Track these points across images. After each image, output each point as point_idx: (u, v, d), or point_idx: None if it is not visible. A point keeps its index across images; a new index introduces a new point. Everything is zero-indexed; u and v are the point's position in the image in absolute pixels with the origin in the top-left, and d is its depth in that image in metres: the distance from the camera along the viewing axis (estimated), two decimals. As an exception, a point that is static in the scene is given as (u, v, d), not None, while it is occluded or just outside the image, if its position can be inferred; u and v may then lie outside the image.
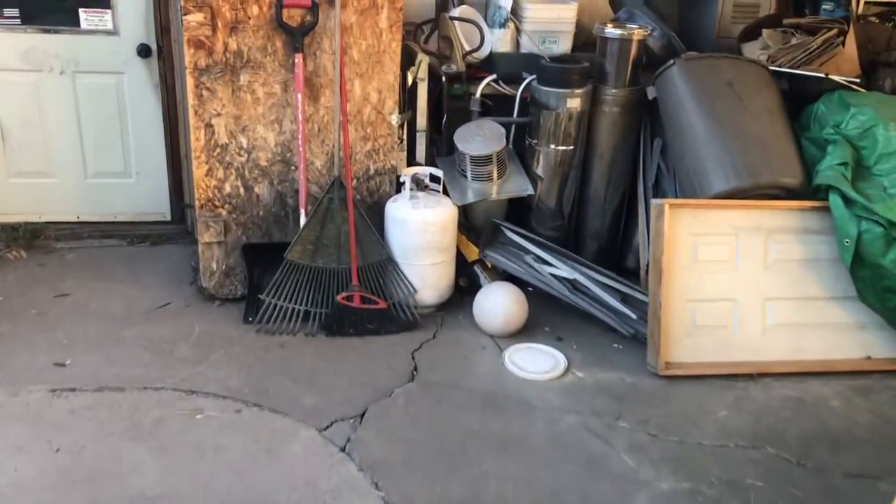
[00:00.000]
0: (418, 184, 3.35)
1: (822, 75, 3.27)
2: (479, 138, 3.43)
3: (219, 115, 3.21)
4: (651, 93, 3.47)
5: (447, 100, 3.71)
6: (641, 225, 3.56)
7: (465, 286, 3.62)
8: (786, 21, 3.57)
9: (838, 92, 3.32)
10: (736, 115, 3.18)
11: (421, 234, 3.27)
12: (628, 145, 3.62)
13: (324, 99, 3.28)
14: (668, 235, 3.02)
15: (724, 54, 3.45)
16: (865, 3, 4.26)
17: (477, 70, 3.86)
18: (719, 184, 3.10)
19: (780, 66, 3.42)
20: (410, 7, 3.99)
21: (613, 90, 3.49)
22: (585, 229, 3.77)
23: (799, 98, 3.50)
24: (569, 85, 3.39)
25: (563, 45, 3.86)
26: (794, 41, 3.53)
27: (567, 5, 3.84)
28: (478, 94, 3.61)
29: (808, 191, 3.15)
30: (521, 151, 3.66)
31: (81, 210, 4.11)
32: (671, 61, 3.36)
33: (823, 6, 4.07)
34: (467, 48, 3.68)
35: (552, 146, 3.48)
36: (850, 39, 3.39)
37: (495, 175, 3.45)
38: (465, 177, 3.48)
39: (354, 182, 3.44)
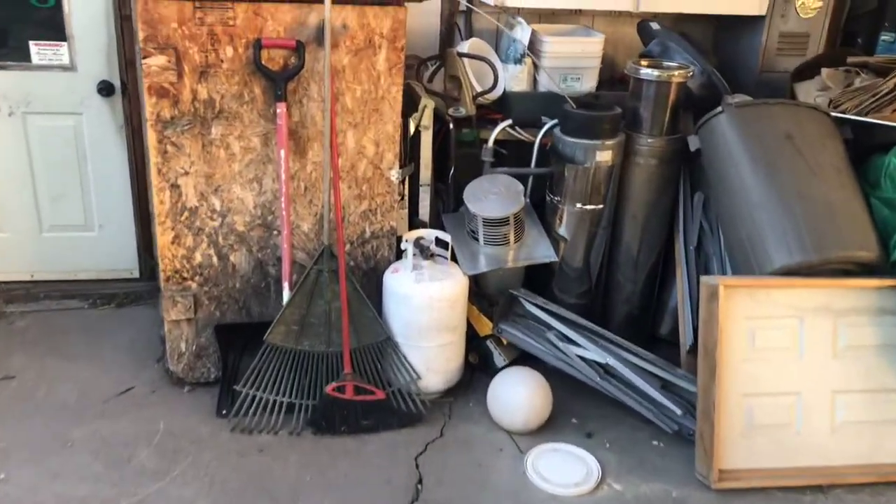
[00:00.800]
0: (422, 251, 2.85)
1: (900, 126, 2.79)
2: (493, 196, 2.94)
3: (186, 173, 2.71)
4: (693, 143, 2.98)
5: (455, 147, 3.22)
6: (681, 294, 3.07)
7: (475, 363, 3.13)
8: (850, 60, 3.08)
9: (910, 145, 2.84)
10: (798, 174, 2.69)
11: (426, 311, 2.77)
12: (665, 201, 3.13)
13: (311, 153, 2.79)
14: (722, 321, 2.53)
15: (779, 100, 2.97)
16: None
17: (489, 111, 3.37)
18: (781, 257, 2.61)
19: (844, 113, 2.94)
20: (413, 39, 3.51)
21: (649, 140, 3.00)
22: (615, 294, 3.28)
23: (863, 149, 3.01)
24: (598, 135, 2.90)
25: (588, 83, 3.37)
26: (857, 82, 3.04)
27: (591, 38, 3.35)
28: (490, 143, 3.12)
29: (885, 265, 2.66)
30: (540, 206, 3.17)
31: (36, 268, 3.60)
32: (718, 108, 2.87)
33: (883, 37, 3.59)
34: (478, 88, 3.19)
35: (578, 205, 2.99)
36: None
37: (512, 238, 2.96)
38: (477, 240, 2.98)
39: (348, 247, 2.94)
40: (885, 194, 2.84)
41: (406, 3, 2.68)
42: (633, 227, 3.14)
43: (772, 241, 2.64)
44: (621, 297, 3.26)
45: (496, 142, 3.19)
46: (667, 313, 3.35)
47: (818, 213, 2.63)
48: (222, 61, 2.59)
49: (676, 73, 2.94)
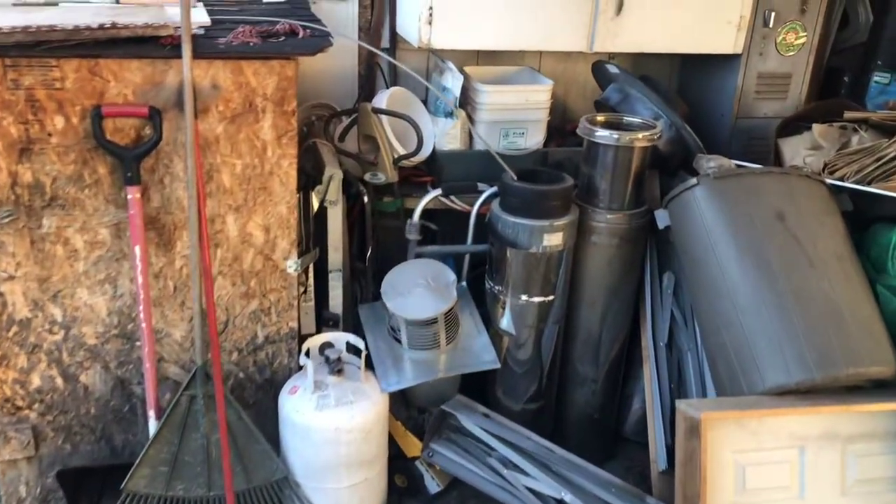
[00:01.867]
0: (328, 363, 2.26)
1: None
2: (418, 290, 2.35)
3: (11, 278, 2.07)
4: (662, 220, 2.44)
5: (374, 220, 2.64)
6: (650, 400, 2.52)
7: (403, 486, 2.55)
8: (848, 115, 2.57)
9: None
10: (794, 266, 2.16)
11: (331, 446, 2.18)
12: (629, 285, 2.58)
13: (181, 245, 2.17)
14: (705, 461, 1.98)
15: (766, 168, 2.43)
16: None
17: (417, 173, 2.80)
18: (776, 375, 2.07)
19: (842, 180, 2.42)
20: (326, 86, 2.93)
21: (608, 215, 2.45)
22: (572, 393, 2.71)
23: (862, 220, 2.50)
24: (546, 214, 2.33)
25: (534, 138, 2.81)
26: (855, 141, 2.53)
27: (537, 85, 2.79)
28: (416, 217, 2.53)
29: (901, 377, 2.14)
30: (480, 291, 2.59)
31: None
32: (693, 180, 2.32)
33: (875, 78, 3.10)
34: (400, 150, 2.60)
35: (524, 297, 2.42)
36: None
37: (443, 340, 2.37)
38: (400, 341, 2.39)
39: (235, 356, 2.34)
40: (895, 282, 2.32)
41: (298, 57, 2.08)
42: (592, 317, 2.58)
43: (764, 354, 2.10)
44: (579, 397, 2.70)
45: (426, 213, 2.61)
46: (631, 410, 2.81)
47: (820, 319, 2.09)
48: (50, 135, 1.96)
49: (640, 135, 2.39)
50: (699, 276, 2.30)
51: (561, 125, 3.12)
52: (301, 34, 2.17)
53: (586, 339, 2.62)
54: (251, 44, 2.04)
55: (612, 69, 2.83)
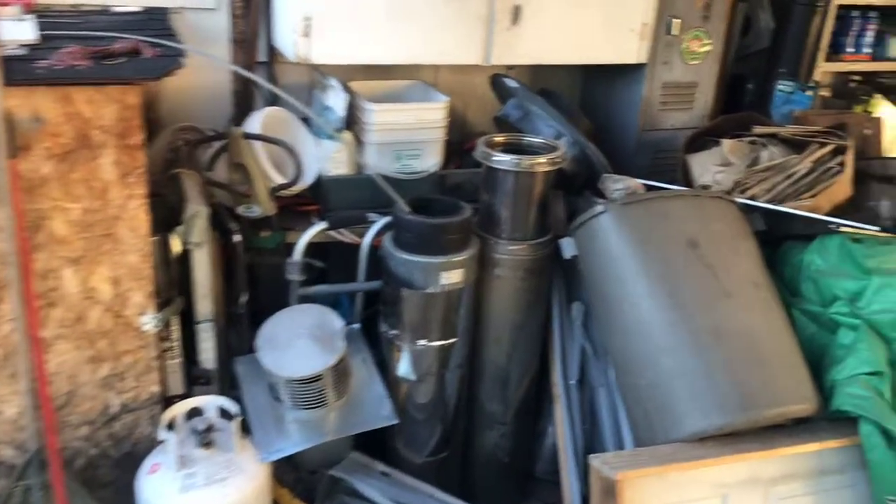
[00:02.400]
0: (196, 434, 1.95)
1: (832, 222, 2.15)
2: (300, 341, 2.07)
3: None
4: (568, 249, 2.24)
5: (251, 259, 2.33)
6: (562, 445, 2.31)
7: (296, 557, 2.26)
8: (757, 130, 2.43)
9: (839, 238, 2.21)
10: (710, 299, 1.99)
11: (201, 533, 1.87)
12: (536, 319, 2.37)
13: (6, 306, 1.82)
14: (622, 525, 1.78)
15: (677, 191, 2.26)
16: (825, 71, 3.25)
17: (301, 202, 2.51)
18: (695, 420, 1.90)
19: (754, 199, 2.28)
20: (194, 106, 2.60)
21: (511, 247, 2.23)
22: (479, 437, 2.49)
23: (774, 237, 2.38)
24: (444, 250, 2.09)
25: (430, 159, 2.56)
26: (765, 157, 2.40)
27: (432, 103, 2.54)
28: (298, 254, 2.25)
29: (822, 412, 2.00)
30: (377, 331, 2.33)
31: None
32: (599, 207, 2.12)
33: (780, 87, 3.00)
34: (277, 179, 2.31)
35: (423, 342, 2.17)
36: (851, 158, 2.29)
37: (331, 397, 2.10)
38: (281, 401, 2.10)
39: (85, 430, 2.00)
40: (810, 306, 2.20)
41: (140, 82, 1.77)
42: (498, 355, 2.36)
43: (682, 398, 1.92)
44: (488, 441, 2.48)
45: (312, 247, 2.33)
46: (544, 448, 2.60)
47: (740, 357, 1.93)
48: None
49: (542, 158, 2.18)
50: (609, 313, 2.11)
51: (461, 143, 2.88)
52: (146, 53, 1.85)
53: (493, 378, 2.40)
54: (78, 67, 1.71)
55: (511, 83, 2.62)
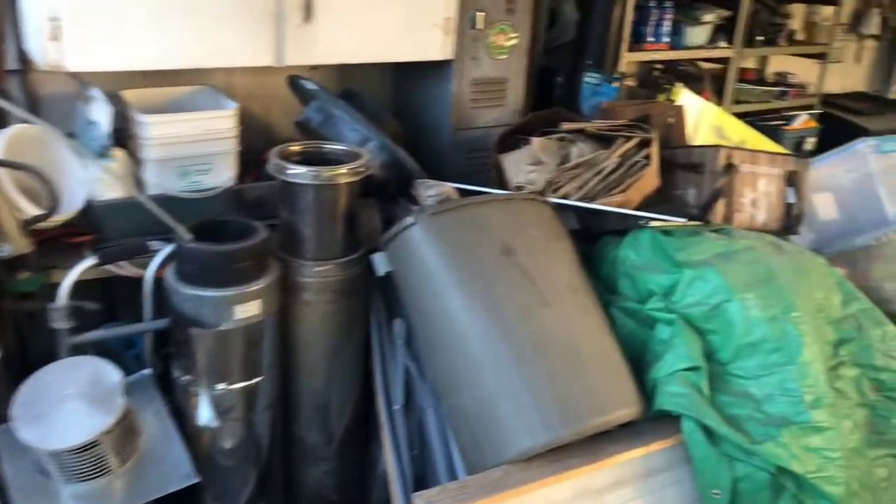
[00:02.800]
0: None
1: (642, 217, 2.12)
2: (68, 405, 1.74)
3: None
4: (381, 265, 2.06)
5: (6, 305, 1.96)
6: (392, 475, 2.14)
7: None
8: (565, 126, 2.37)
9: (650, 232, 2.20)
10: (528, 309, 1.89)
11: None
12: (354, 342, 2.18)
13: None
14: (452, 567, 1.64)
15: (489, 196, 2.14)
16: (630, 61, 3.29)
17: (69, 232, 2.15)
18: (522, 439, 1.78)
19: (567, 197, 2.22)
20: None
21: (317, 268, 2.02)
22: (302, 476, 2.27)
23: (590, 235, 2.34)
24: (237, 279, 1.84)
25: (222, 175, 2.28)
26: (574, 153, 2.34)
27: (219, 111, 2.26)
28: (62, 298, 1.90)
29: (647, 412, 1.97)
30: (167, 377, 2.03)
31: None
32: (409, 218, 1.96)
33: (587, 79, 2.99)
34: (30, 210, 1.95)
35: (222, 385, 1.91)
36: (656, 150, 2.28)
37: (113, 463, 1.79)
38: (50, 476, 1.76)
39: None
40: (628, 303, 2.17)
41: None
42: (315, 387, 2.15)
43: (507, 416, 1.80)
44: (311, 480, 2.27)
45: (89, 286, 1.99)
46: (376, 478, 2.42)
47: (561, 367, 1.84)
48: None
49: (344, 168, 1.99)
50: (427, 331, 1.96)
51: (262, 151, 2.62)
52: None
53: (312, 411, 2.19)
54: None
55: (309, 85, 2.40)
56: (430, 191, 2.17)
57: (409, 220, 1.95)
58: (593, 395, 1.84)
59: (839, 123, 4.15)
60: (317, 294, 2.03)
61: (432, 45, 2.57)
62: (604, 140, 2.36)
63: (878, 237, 2.46)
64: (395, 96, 3.01)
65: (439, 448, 2.13)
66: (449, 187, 2.21)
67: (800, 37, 4.14)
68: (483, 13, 2.66)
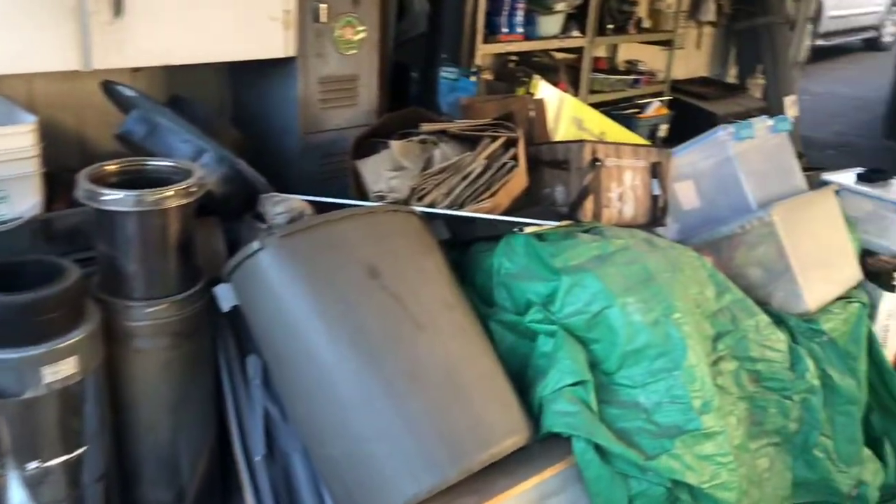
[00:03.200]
0: None
1: (515, 223, 1.96)
2: None
3: None
4: (226, 299, 1.77)
5: None
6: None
7: None
8: (425, 127, 2.17)
9: (524, 237, 2.05)
10: (400, 335, 1.68)
11: None
12: (201, 388, 1.88)
13: None
14: None
15: (346, 208, 1.88)
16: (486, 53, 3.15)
17: None
18: (405, 486, 1.57)
19: (434, 206, 2.03)
20: None
21: (149, 309, 1.70)
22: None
23: (458, 243, 2.16)
24: (42, 335, 1.50)
25: (24, 203, 1.90)
26: (438, 157, 2.15)
27: (14, 127, 1.88)
28: None
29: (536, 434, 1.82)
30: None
31: None
32: (255, 244, 1.69)
33: (444, 74, 2.81)
34: None
35: (35, 463, 1.56)
36: (523, 149, 2.14)
37: None
38: None
39: None
40: (506, 315, 2.01)
41: None
42: (158, 445, 1.83)
43: (386, 462, 1.59)
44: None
45: None
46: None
47: (441, 398, 1.65)
48: None
49: (174, 189, 1.68)
50: (285, 373, 1.71)
51: (77, 171, 2.24)
52: None
53: (158, 471, 1.87)
54: None
55: (127, 92, 2.06)
56: (279, 207, 1.90)
57: (254, 245, 1.68)
58: (479, 427, 1.66)
59: (688, 109, 4.26)
60: (151, 339, 1.72)
61: (271, 41, 2.30)
62: (468, 140, 2.19)
63: (742, 225, 2.45)
64: (235, 101, 2.71)
65: (310, 498, 1.89)
66: (301, 202, 1.96)
67: (646, 24, 4.19)
68: (326, 5, 2.42)
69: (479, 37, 3.02)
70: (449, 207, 2.01)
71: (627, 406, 1.84)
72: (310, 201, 2.02)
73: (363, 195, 2.18)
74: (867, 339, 2.52)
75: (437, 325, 1.73)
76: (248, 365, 1.96)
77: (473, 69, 2.85)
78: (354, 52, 2.57)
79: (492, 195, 2.04)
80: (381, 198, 2.11)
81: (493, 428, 1.68)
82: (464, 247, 2.20)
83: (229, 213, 2.12)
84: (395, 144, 2.14)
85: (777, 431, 2.18)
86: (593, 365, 1.90)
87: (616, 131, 3.19)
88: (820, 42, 9.54)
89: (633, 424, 1.80)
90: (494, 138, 2.10)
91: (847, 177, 3.19)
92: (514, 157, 2.09)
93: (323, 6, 2.40)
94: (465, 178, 2.02)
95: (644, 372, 1.86)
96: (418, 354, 1.67)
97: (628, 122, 3.71)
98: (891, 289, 2.67)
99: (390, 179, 2.13)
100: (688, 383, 1.83)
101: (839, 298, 2.54)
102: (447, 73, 2.79)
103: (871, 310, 2.64)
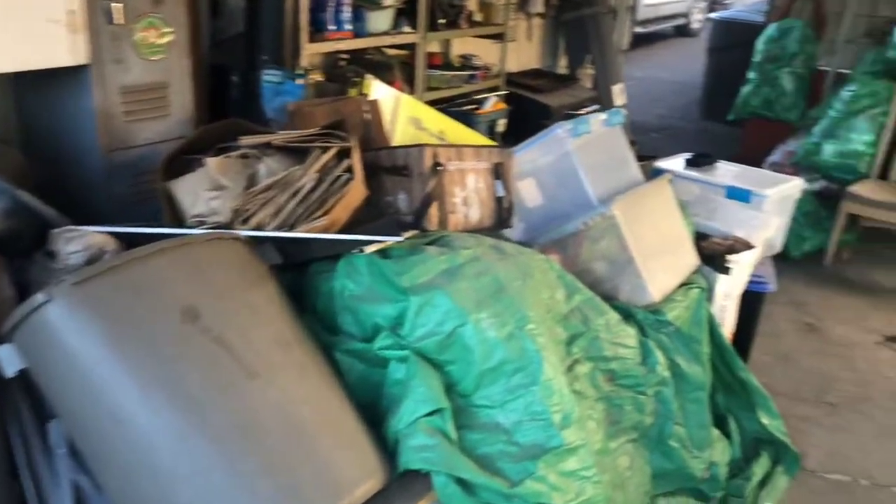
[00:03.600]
0: None
1: (355, 242, 1.78)
2: None
3: None
4: (9, 363, 1.47)
5: None
6: None
7: None
8: (244, 140, 1.94)
9: (365, 255, 1.89)
10: (227, 385, 1.46)
11: None
12: (-8, 468, 1.57)
13: None
14: None
15: (157, 244, 1.61)
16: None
17: None
18: (245, 562, 1.37)
19: (262, 228, 1.81)
20: None
21: None
22: None
23: (294, 265, 1.96)
24: None
25: None
26: (262, 172, 1.93)
27: None
28: None
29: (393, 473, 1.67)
30: None
31: None
32: (39, 296, 1.40)
33: (267, 77, 2.58)
34: None
35: None
36: (358, 158, 1.97)
37: None
38: None
39: None
40: (353, 344, 1.84)
41: None
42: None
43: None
44: None
45: None
46: None
47: (283, 452, 1.45)
48: None
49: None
50: (94, 443, 1.44)
51: None
52: None
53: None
54: None
55: None
56: (74, 244, 1.62)
57: (38, 297, 1.40)
58: (326, 477, 1.48)
59: (523, 102, 4.26)
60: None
61: (54, 47, 1.98)
62: (297, 152, 1.99)
63: (585, 221, 2.43)
64: (21, 119, 2.33)
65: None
66: (101, 236, 1.68)
67: (478, 18, 4.13)
68: (121, 4, 2.13)
69: (305, 35, 2.81)
70: (279, 229, 1.81)
71: (488, 428, 1.73)
72: (114, 233, 1.74)
73: (179, 220, 1.92)
74: (708, 322, 2.59)
75: (272, 369, 1.53)
76: (50, 433, 1.66)
77: (300, 71, 2.63)
78: (161, 56, 2.29)
79: (326, 212, 1.85)
80: (200, 222, 1.86)
81: (343, 476, 1.51)
82: (300, 266, 2.00)
83: (17, 253, 1.80)
84: (211, 161, 1.89)
85: (634, 427, 2.18)
86: (450, 387, 1.77)
87: (455, 129, 3.10)
88: (638, 29, 10.09)
89: (495, 448, 1.70)
90: (325, 149, 1.91)
91: (676, 163, 3.30)
92: (349, 169, 1.92)
93: (117, 6, 2.10)
94: (294, 194, 1.82)
95: (502, 390, 1.75)
96: (251, 405, 1.46)
97: (467, 119, 3.64)
98: (725, 271, 2.76)
99: (210, 200, 1.89)
100: (546, 398, 1.75)
101: (681, 285, 2.59)
102: (270, 75, 2.55)
103: (709, 293, 2.72)
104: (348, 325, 1.87)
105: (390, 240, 1.85)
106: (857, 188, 4.20)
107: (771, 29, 5.29)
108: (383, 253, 1.91)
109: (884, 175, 4.35)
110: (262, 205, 1.82)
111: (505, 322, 1.79)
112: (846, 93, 4.47)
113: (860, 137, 4.34)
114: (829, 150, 4.42)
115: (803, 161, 4.56)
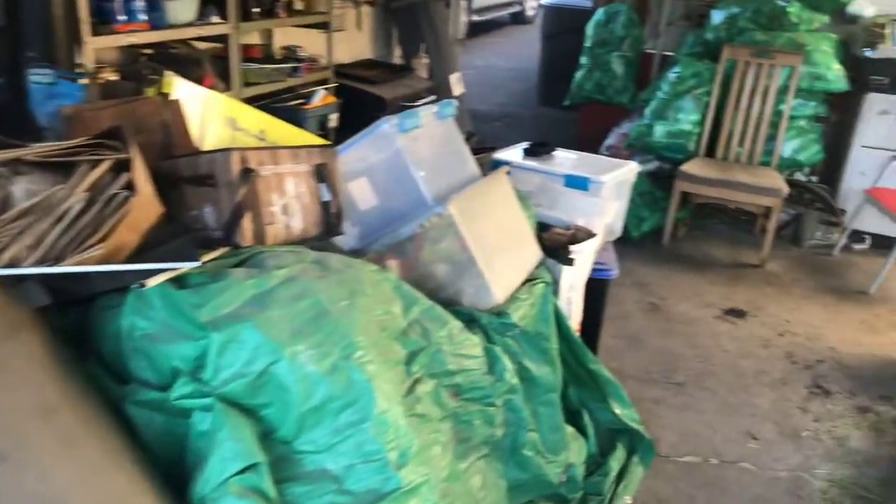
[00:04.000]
0: None
1: (140, 271, 1.47)
2: None
3: None
4: None
5: None
6: None
7: None
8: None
9: (158, 286, 1.58)
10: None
11: None
12: None
13: None
14: None
15: None
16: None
17: None
18: None
19: (18, 264, 1.46)
20: None
21: None
22: None
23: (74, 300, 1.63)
24: None
25: None
26: (18, 193, 1.57)
27: None
28: None
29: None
30: None
31: None
32: None
33: (35, 77, 2.18)
34: None
35: None
36: (141, 172, 1.65)
37: None
38: None
39: None
40: (148, 394, 1.54)
41: None
42: None
43: None
44: None
45: None
46: None
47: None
48: None
49: None
50: None
51: None
52: None
53: None
54: None
55: None
56: None
57: None
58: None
59: (356, 94, 4.02)
60: None
61: None
62: (64, 168, 1.64)
63: (422, 223, 2.24)
64: None
65: None
66: None
67: (299, 6, 3.84)
68: None
69: (86, 27, 2.41)
70: (40, 263, 1.47)
71: (314, 478, 1.50)
72: None
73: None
74: (555, 317, 2.49)
75: (28, 447, 1.22)
76: None
77: (79, 70, 2.25)
78: None
79: (103, 238, 1.53)
80: (-63, 262, 1.48)
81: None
82: (82, 302, 1.67)
83: None
84: (-55, 187, 1.52)
85: (485, 442, 2.03)
86: (267, 434, 1.52)
87: (279, 128, 2.81)
88: (475, 17, 10.11)
89: (324, 501, 1.47)
90: (96, 162, 1.59)
91: (515, 153, 3.19)
92: (130, 184, 1.60)
93: None
94: (59, 220, 1.49)
95: (329, 431, 1.52)
96: (-3, 500, 1.15)
97: (294, 115, 3.36)
98: (569, 262, 2.68)
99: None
100: (380, 435, 1.54)
101: (525, 282, 2.48)
102: (39, 75, 2.16)
103: (554, 286, 2.63)
104: (142, 370, 1.56)
105: (185, 266, 1.56)
106: (687, 167, 4.31)
107: (599, 14, 5.36)
108: (181, 281, 1.62)
109: (710, 153, 4.50)
110: (17, 235, 1.47)
111: (328, 352, 1.56)
112: (672, 74, 4.59)
113: (687, 117, 4.47)
114: (659, 130, 4.53)
115: (636, 143, 4.65)
